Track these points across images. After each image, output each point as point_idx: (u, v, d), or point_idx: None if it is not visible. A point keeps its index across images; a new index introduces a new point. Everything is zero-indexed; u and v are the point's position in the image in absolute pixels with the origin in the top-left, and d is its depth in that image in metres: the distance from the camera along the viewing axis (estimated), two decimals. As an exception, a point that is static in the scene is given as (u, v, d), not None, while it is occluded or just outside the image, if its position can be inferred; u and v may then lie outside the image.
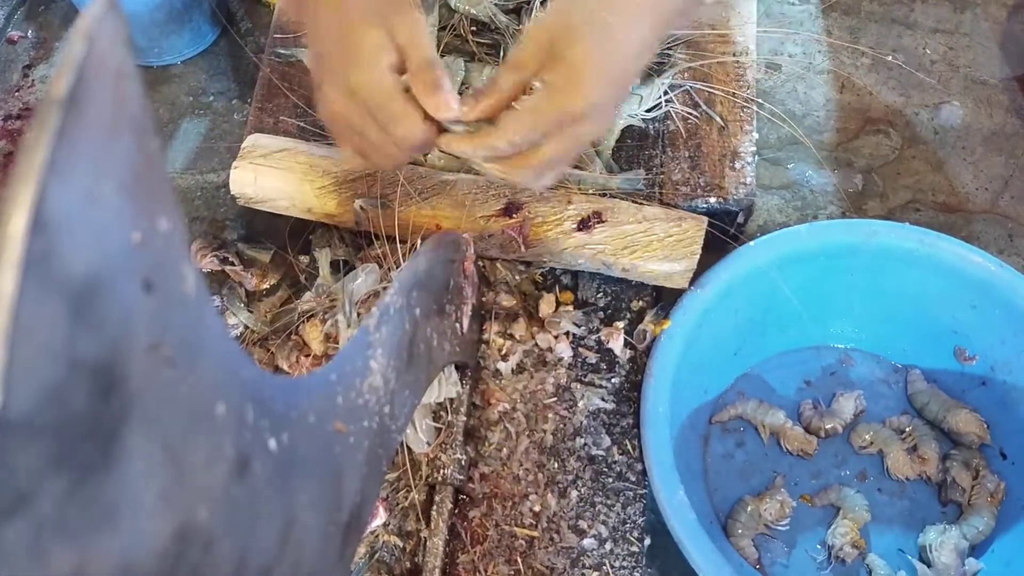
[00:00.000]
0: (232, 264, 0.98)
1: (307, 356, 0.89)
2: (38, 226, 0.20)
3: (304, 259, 0.97)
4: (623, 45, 0.67)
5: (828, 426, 0.91)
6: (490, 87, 0.67)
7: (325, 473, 0.43)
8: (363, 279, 0.88)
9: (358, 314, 0.87)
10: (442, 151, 0.73)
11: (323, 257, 0.93)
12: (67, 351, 0.21)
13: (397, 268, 0.87)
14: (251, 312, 0.96)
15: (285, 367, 0.90)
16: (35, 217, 0.19)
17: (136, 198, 0.24)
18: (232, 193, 0.94)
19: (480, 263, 0.89)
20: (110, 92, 0.23)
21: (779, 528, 0.88)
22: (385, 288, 0.86)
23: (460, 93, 0.90)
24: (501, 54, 0.98)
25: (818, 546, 0.88)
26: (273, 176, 0.92)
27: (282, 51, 1.05)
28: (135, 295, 0.25)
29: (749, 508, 0.88)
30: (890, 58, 1.16)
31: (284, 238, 0.97)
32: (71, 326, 0.22)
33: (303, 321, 0.91)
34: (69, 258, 0.21)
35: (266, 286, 0.99)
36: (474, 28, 0.98)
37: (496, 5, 0.97)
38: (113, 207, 0.23)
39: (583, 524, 0.83)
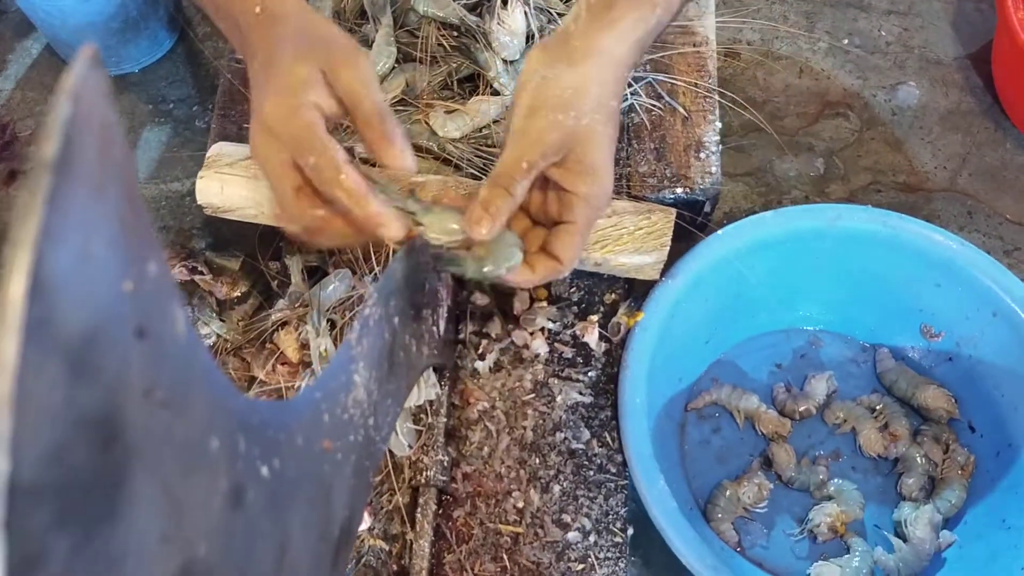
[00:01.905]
0: (201, 273, 0.98)
1: (283, 364, 0.89)
2: (36, 291, 0.20)
3: (275, 265, 0.96)
4: (618, 120, 0.67)
5: (801, 408, 0.93)
6: (502, 199, 0.63)
7: (315, 492, 0.44)
8: (336, 285, 0.88)
9: (329, 321, 0.87)
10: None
11: (294, 264, 0.93)
12: (68, 410, 0.22)
13: (371, 273, 0.87)
14: (223, 321, 0.96)
15: (261, 376, 0.89)
16: (33, 282, 0.20)
17: (126, 248, 0.24)
18: (199, 203, 0.93)
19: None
20: (96, 147, 0.23)
21: (757, 510, 0.90)
22: (360, 293, 0.86)
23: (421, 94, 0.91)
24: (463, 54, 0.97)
25: (794, 522, 0.90)
26: (240, 185, 0.91)
27: (241, 56, 1.03)
28: (129, 343, 0.25)
29: (728, 492, 0.89)
30: (846, 42, 1.18)
31: (253, 245, 0.97)
32: (71, 384, 0.22)
33: (277, 329, 0.91)
34: (66, 318, 0.21)
35: (237, 294, 0.98)
36: (442, 32, 0.97)
37: (462, 6, 0.97)
38: (105, 260, 0.23)
39: (567, 518, 0.84)
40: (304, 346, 0.89)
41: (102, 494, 0.24)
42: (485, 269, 0.67)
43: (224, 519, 0.32)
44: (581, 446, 0.87)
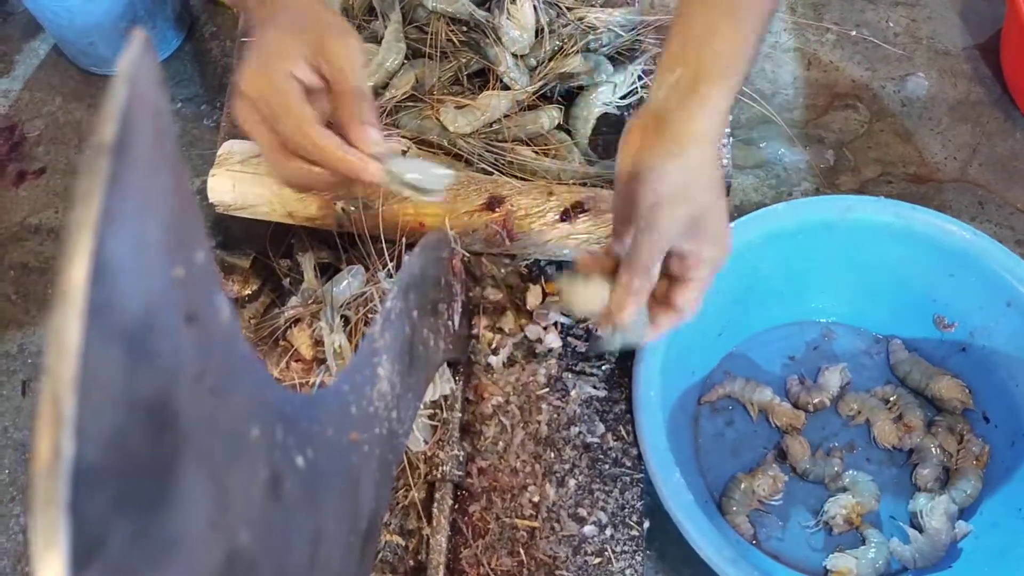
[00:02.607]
0: (213, 272, 0.97)
1: (297, 361, 0.89)
2: (98, 274, 0.20)
3: (286, 263, 0.96)
4: (723, 180, 0.72)
5: (815, 400, 0.93)
6: (640, 281, 0.69)
7: (345, 484, 0.44)
8: (348, 281, 0.88)
9: (343, 317, 0.87)
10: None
11: (306, 261, 0.92)
12: (127, 394, 0.22)
13: (384, 269, 0.87)
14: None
15: (275, 374, 0.89)
16: (95, 266, 0.20)
17: (177, 234, 0.24)
18: (210, 201, 0.93)
19: (466, 258, 0.90)
20: (150, 132, 0.23)
21: (772, 503, 0.90)
22: (374, 289, 0.86)
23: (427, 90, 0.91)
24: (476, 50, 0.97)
25: (810, 514, 0.90)
26: (251, 182, 0.91)
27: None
28: (180, 329, 0.25)
29: (742, 485, 0.89)
30: (854, 33, 1.18)
31: (264, 242, 0.96)
32: (129, 369, 0.22)
33: (290, 326, 0.91)
34: (125, 302, 0.21)
35: (248, 292, 0.98)
36: (451, 27, 0.97)
37: (471, 1, 0.97)
38: (158, 246, 0.23)
39: (583, 512, 0.84)
40: (318, 343, 0.89)
41: (156, 478, 0.24)
42: (629, 340, 0.74)
43: (264, 508, 0.32)
44: (596, 440, 0.87)
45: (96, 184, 0.20)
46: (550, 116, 0.96)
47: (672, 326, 0.74)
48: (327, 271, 0.93)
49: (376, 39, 0.99)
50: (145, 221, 0.22)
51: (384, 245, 0.86)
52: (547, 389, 0.89)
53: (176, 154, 0.25)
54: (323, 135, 0.66)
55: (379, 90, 0.97)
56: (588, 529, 0.83)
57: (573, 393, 0.89)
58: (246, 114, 0.69)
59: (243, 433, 0.30)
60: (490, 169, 0.93)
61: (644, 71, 0.99)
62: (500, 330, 0.91)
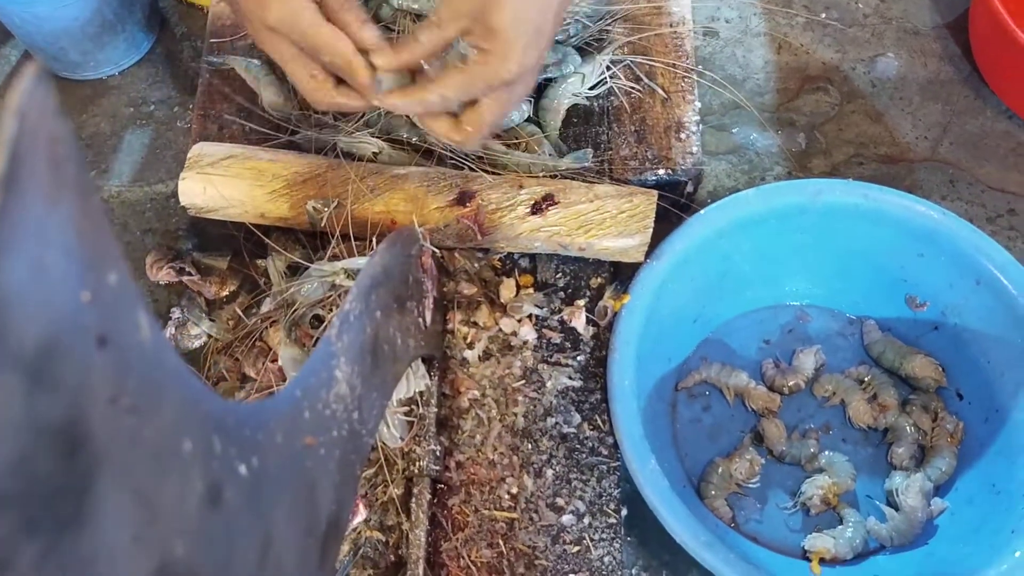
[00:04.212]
0: (189, 274, 0.98)
1: (274, 362, 0.90)
2: (-13, 306, 0.20)
3: (262, 264, 0.96)
4: (547, 6, 0.69)
5: (790, 383, 0.94)
6: (409, 41, 0.70)
7: (298, 488, 0.44)
8: (310, 287, 0.88)
9: (316, 317, 0.88)
10: (376, 106, 0.76)
11: (272, 265, 0.93)
12: (29, 420, 0.22)
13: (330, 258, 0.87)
14: (213, 320, 0.96)
15: (252, 374, 0.90)
16: (-17, 298, 0.20)
17: (83, 258, 0.25)
18: (182, 204, 0.93)
19: (438, 254, 0.90)
20: (46, 161, 0.23)
21: (750, 486, 0.91)
22: (341, 291, 0.87)
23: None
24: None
25: (787, 496, 0.90)
26: (222, 184, 0.91)
27: (213, 59, 1.04)
28: (90, 352, 0.25)
29: (720, 469, 0.90)
30: (823, 16, 1.18)
31: (240, 242, 0.97)
32: (30, 394, 0.22)
33: (267, 327, 0.91)
34: (21, 330, 0.22)
35: (226, 293, 0.99)
36: (417, 24, 0.97)
37: (431, -4, 0.97)
38: (61, 271, 0.24)
39: (560, 501, 0.84)
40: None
41: (69, 500, 0.24)
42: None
43: (201, 518, 0.33)
44: (572, 430, 0.87)
45: (-16, 218, 0.20)
46: (519, 109, 0.96)
47: (451, 133, 0.75)
48: (298, 272, 0.93)
49: (344, 37, 0.99)
50: (43, 249, 0.23)
51: (354, 243, 0.87)
52: (523, 381, 0.89)
53: (82, 181, 0.25)
54: (344, 40, 0.70)
55: (348, 88, 0.97)
56: (566, 518, 0.84)
57: (549, 384, 0.89)
58: (282, 48, 0.72)
59: (172, 448, 0.31)
60: (460, 164, 0.93)
61: (612, 61, 0.99)
62: (475, 324, 0.92)
